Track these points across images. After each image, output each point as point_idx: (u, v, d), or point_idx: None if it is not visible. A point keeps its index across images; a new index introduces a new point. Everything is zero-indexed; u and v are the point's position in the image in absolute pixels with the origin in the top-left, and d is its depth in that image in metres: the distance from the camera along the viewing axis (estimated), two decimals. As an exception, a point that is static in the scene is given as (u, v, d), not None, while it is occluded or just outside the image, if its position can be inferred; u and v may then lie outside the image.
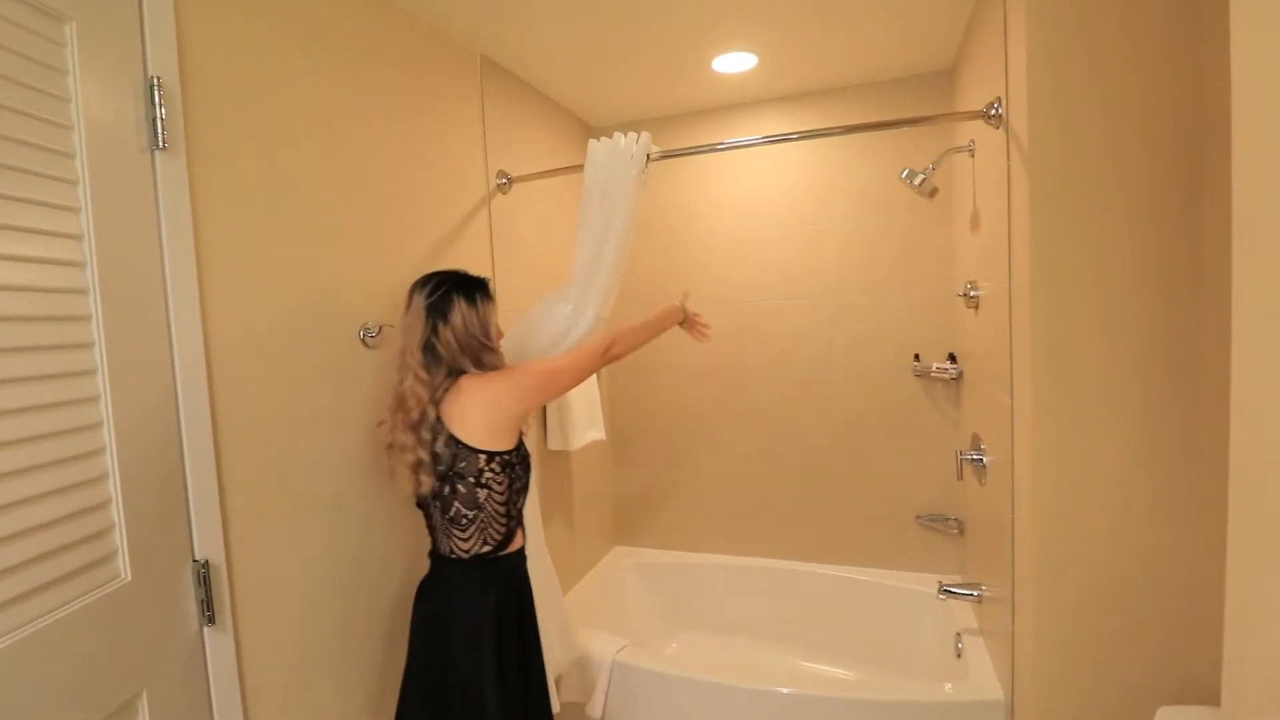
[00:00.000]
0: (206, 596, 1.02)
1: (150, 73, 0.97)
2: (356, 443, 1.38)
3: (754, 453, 2.53)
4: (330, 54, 1.35)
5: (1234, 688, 0.59)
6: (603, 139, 1.65)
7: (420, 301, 1.32)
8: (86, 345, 0.88)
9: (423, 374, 1.29)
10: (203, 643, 1.03)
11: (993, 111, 1.51)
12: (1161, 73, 1.23)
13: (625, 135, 1.62)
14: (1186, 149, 1.23)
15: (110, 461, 0.90)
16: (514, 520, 1.37)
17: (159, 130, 0.97)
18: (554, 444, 2.18)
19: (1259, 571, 0.56)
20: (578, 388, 2.04)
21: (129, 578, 0.91)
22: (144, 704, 0.92)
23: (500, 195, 1.94)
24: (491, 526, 1.31)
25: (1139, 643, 1.35)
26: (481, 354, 1.35)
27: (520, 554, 1.41)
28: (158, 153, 0.98)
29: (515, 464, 1.34)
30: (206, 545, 1.03)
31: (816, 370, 2.42)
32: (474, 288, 1.37)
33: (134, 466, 0.92)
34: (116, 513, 0.90)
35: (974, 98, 1.77)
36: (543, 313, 1.69)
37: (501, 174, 1.93)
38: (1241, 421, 0.59)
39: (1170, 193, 1.25)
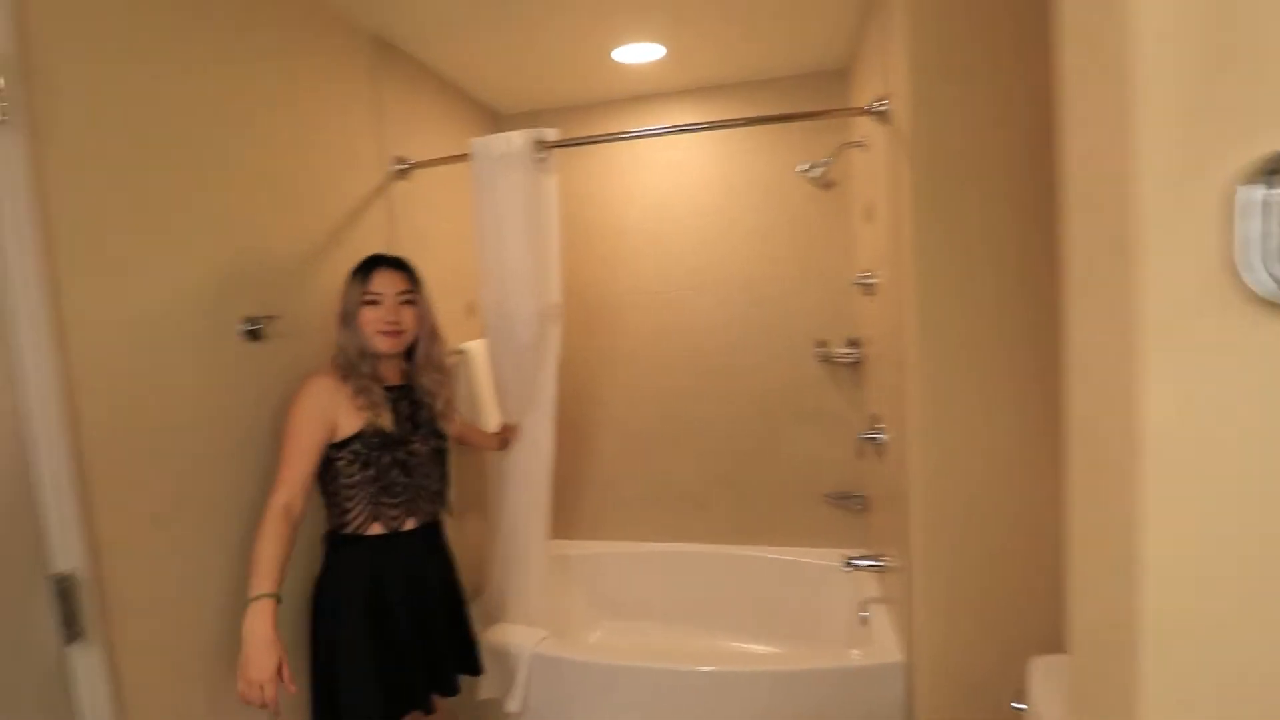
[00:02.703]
0: (69, 612, 0.94)
1: (-19, 38, 0.87)
2: (242, 446, 1.30)
3: (666, 440, 2.57)
4: (203, 23, 1.26)
5: (1077, 625, 0.66)
6: (486, 137, 1.67)
7: None
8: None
9: None
10: (65, 663, 0.94)
11: (879, 107, 1.59)
12: (1016, 73, 1.34)
13: (511, 134, 1.67)
14: (1043, 140, 1.34)
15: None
16: (363, 502, 1.34)
17: (-6, 102, 0.88)
18: (467, 439, 2.13)
19: (1094, 521, 0.62)
20: (486, 378, 2.01)
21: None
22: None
23: (401, 182, 1.87)
24: (331, 509, 1.37)
25: (1015, 601, 1.46)
26: (343, 339, 1.35)
27: (370, 541, 1.36)
28: (-6, 127, 0.88)
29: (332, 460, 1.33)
30: (67, 557, 0.94)
31: (725, 357, 2.48)
32: (359, 267, 1.39)
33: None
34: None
35: (865, 95, 1.86)
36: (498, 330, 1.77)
37: (400, 159, 1.86)
38: (1075, 383, 0.66)
39: (1031, 180, 1.36)
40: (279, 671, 1.13)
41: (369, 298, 1.35)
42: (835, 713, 1.71)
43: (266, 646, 1.12)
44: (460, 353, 1.99)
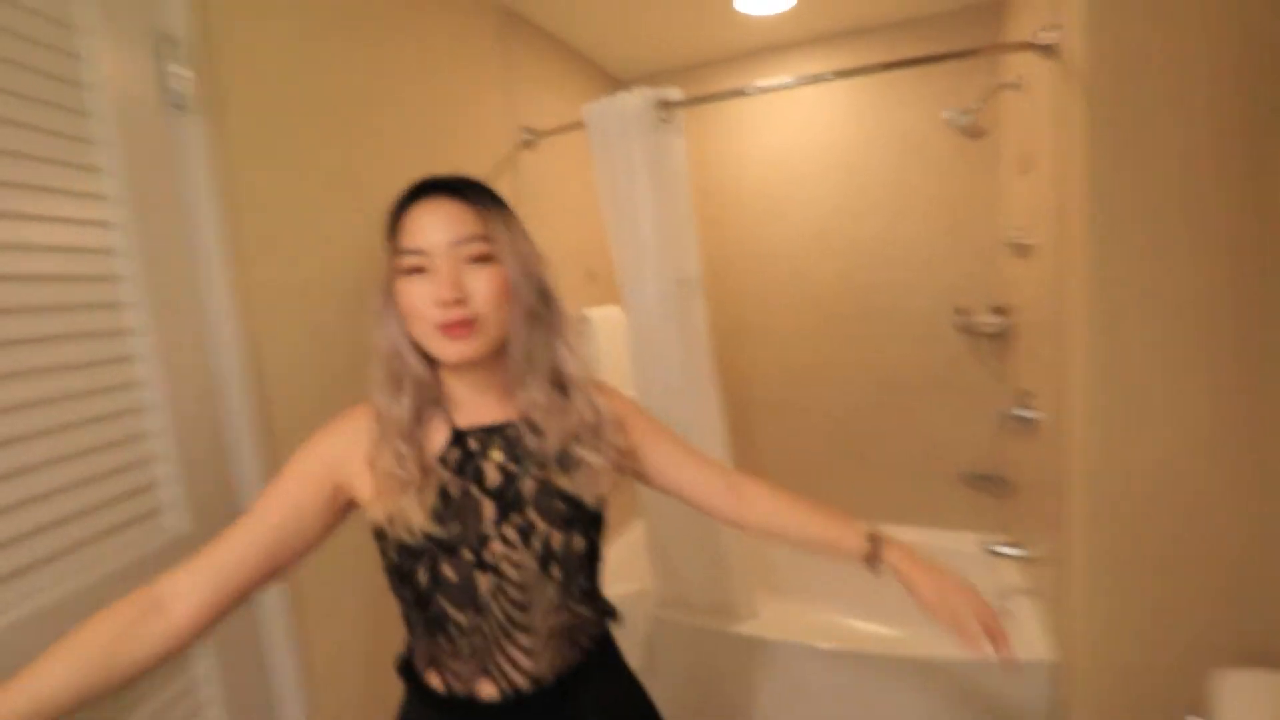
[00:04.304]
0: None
1: (166, 30, 0.96)
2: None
3: (792, 410, 2.49)
4: (350, 7, 1.33)
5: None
6: (598, 101, 1.64)
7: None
8: (119, 305, 0.89)
9: None
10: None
11: (1044, 40, 1.40)
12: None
13: (625, 95, 1.62)
14: (1261, 73, 1.12)
15: (157, 419, 0.91)
16: (416, 631, 0.79)
17: (179, 90, 0.96)
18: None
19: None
20: (602, 342, 2.01)
21: (186, 529, 0.94)
22: (200, 650, 0.97)
23: (526, 152, 1.90)
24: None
25: (1194, 603, 1.29)
26: (376, 353, 0.78)
27: (434, 699, 0.77)
28: (179, 113, 0.97)
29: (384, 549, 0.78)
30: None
31: (855, 325, 2.35)
32: (390, 211, 0.78)
33: (182, 424, 0.94)
34: (168, 467, 0.93)
35: (1023, 28, 1.65)
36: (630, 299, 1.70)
37: (527, 129, 1.89)
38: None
39: (1243, 122, 1.14)
40: None
41: (406, 262, 0.72)
42: (964, 707, 1.61)
43: None
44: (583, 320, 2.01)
